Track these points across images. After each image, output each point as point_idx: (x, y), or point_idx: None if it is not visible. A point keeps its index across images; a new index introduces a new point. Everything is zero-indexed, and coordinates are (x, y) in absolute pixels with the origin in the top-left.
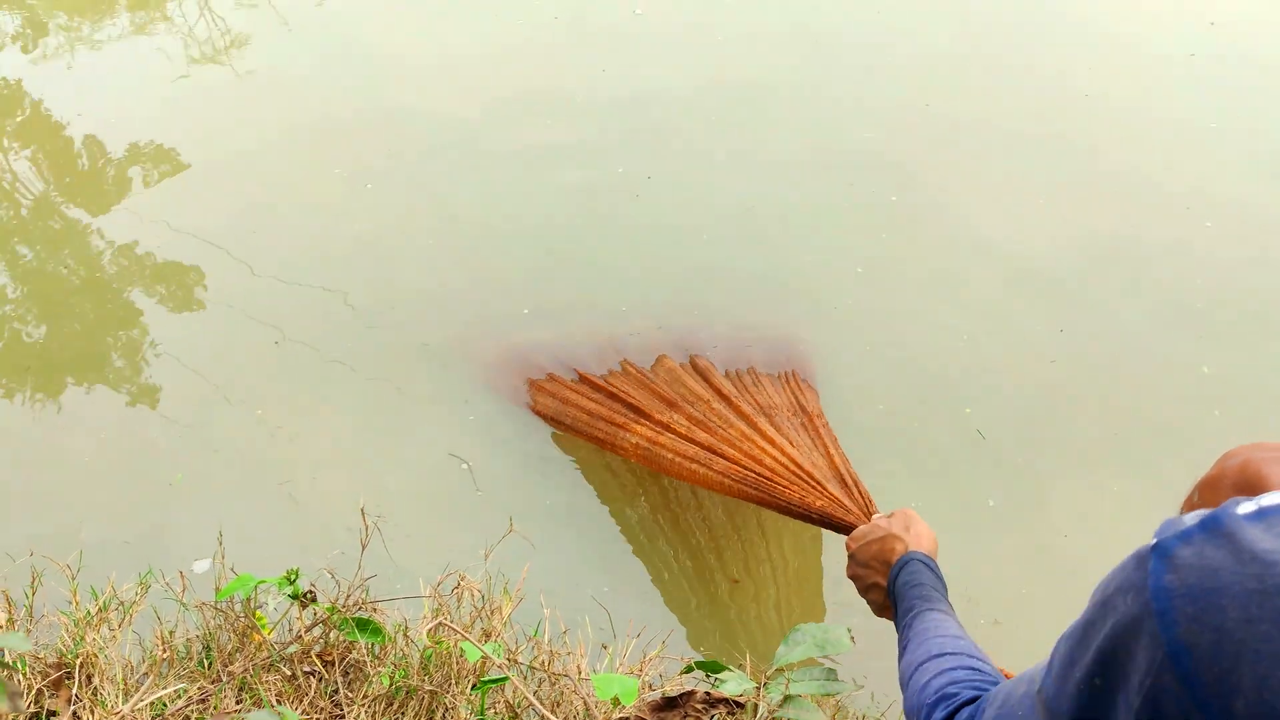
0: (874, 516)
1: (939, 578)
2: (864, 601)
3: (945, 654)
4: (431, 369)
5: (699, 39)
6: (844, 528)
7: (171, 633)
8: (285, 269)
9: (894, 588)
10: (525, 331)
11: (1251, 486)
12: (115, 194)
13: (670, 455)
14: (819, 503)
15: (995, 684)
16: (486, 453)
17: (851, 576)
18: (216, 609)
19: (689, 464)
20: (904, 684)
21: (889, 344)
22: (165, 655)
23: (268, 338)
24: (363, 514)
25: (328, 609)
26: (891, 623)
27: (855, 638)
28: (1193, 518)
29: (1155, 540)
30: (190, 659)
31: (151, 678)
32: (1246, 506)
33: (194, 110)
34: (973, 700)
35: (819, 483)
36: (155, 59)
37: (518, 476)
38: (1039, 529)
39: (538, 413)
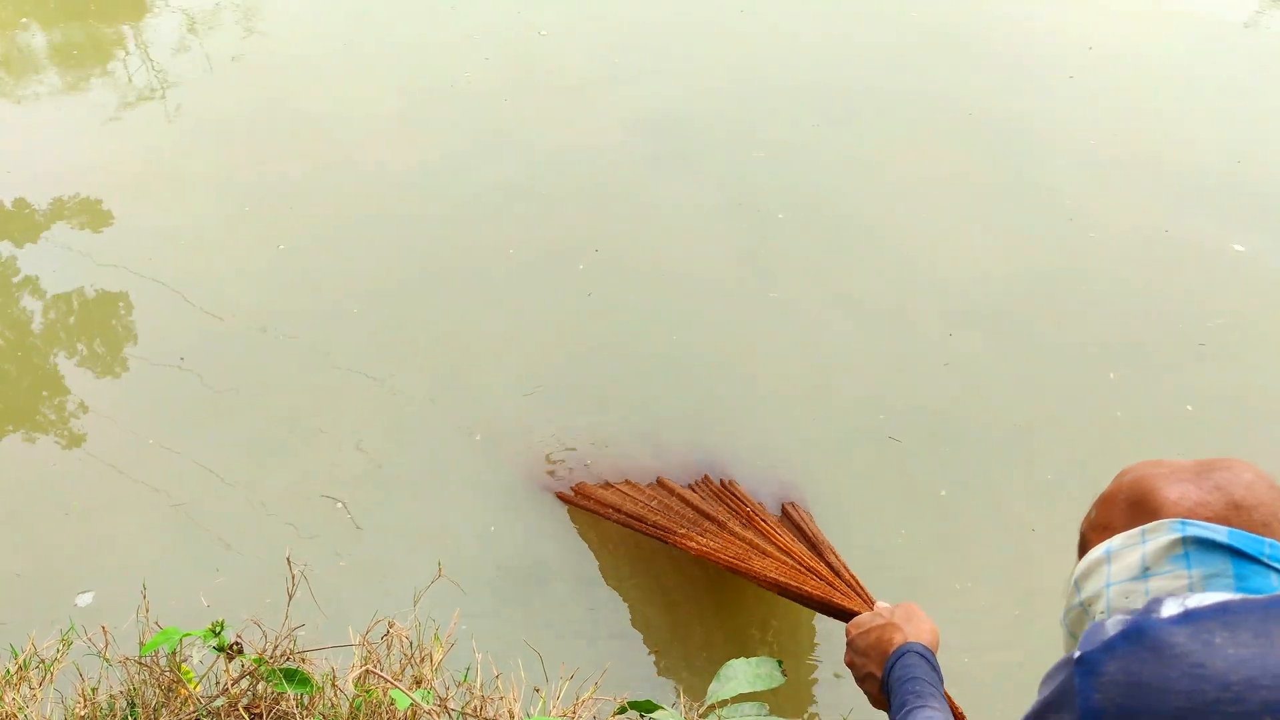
0: (877, 605)
1: (935, 670)
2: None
3: None
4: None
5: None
6: (845, 614)
7: (94, 689)
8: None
9: (888, 680)
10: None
11: (1143, 503)
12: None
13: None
14: (819, 589)
15: None
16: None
17: (849, 664)
18: (140, 664)
19: (724, 554)
20: None
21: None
22: (87, 712)
23: (187, 378)
24: (289, 562)
25: (255, 660)
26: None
27: (787, 672)
28: (1115, 626)
29: (1079, 653)
30: (114, 715)
31: None
32: (1171, 609)
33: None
34: None
35: (822, 576)
36: (85, 108)
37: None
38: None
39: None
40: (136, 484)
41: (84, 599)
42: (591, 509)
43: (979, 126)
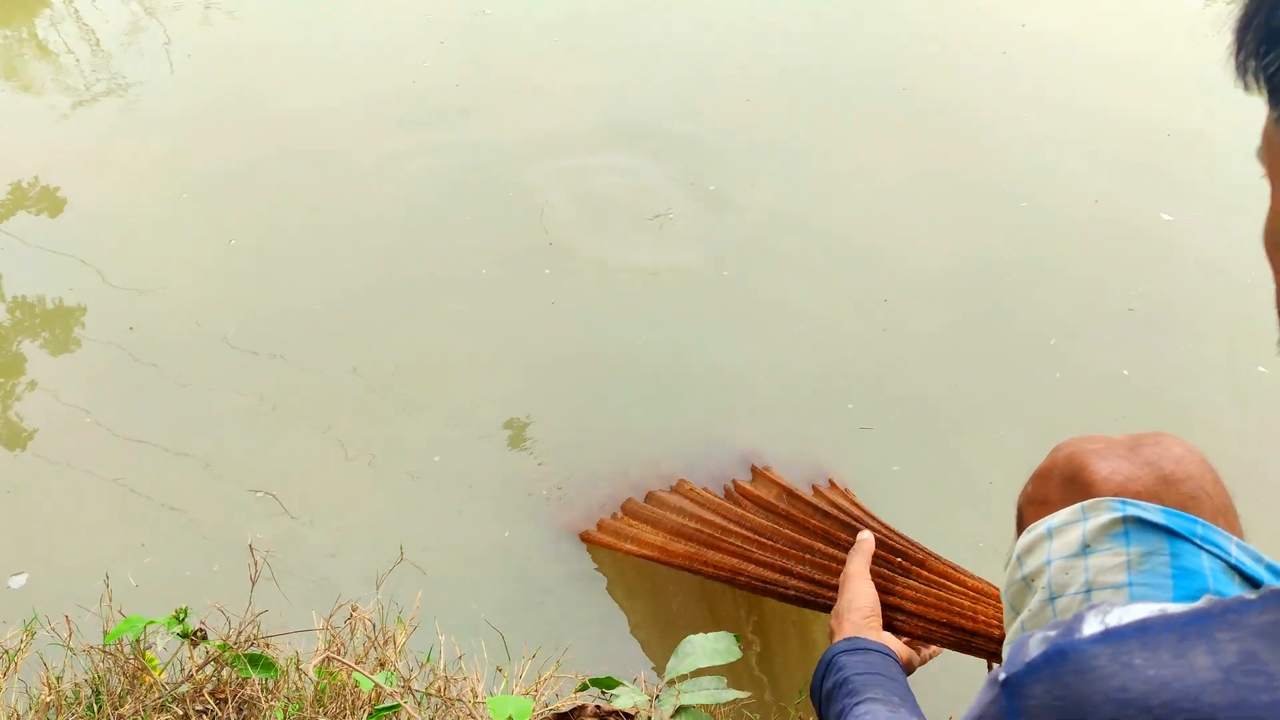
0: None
1: (866, 650)
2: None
3: None
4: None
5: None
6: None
7: (59, 678)
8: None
9: (818, 694)
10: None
11: (1077, 478)
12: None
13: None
14: (795, 587)
15: None
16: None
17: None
18: (105, 652)
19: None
20: None
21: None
22: (53, 700)
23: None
24: (251, 549)
25: (220, 646)
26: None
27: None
28: (1038, 645)
29: (1004, 675)
30: (79, 704)
31: None
32: (1092, 626)
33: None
34: None
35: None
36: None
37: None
38: None
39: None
40: (72, 463)
41: (17, 581)
42: (627, 550)
43: (911, 101)
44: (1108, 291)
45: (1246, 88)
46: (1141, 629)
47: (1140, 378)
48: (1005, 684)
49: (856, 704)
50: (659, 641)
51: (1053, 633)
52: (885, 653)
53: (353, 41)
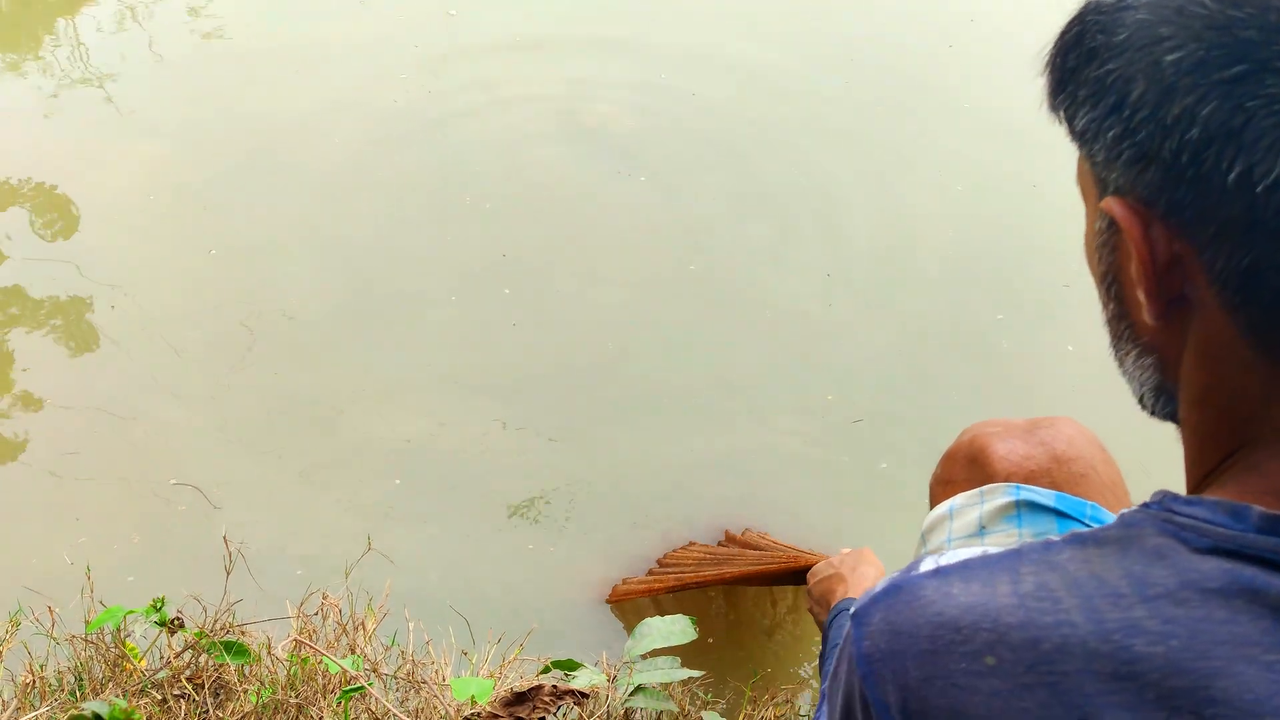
0: (839, 553)
1: None
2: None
3: None
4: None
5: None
6: (804, 572)
7: (42, 666)
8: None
9: (825, 643)
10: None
11: (977, 458)
12: None
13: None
14: (780, 562)
15: None
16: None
17: (810, 611)
18: (87, 641)
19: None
20: None
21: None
22: (36, 686)
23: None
24: (225, 540)
25: (196, 634)
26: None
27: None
28: (883, 583)
29: (854, 609)
30: (62, 690)
31: (22, 708)
32: (927, 565)
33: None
34: None
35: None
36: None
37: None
38: None
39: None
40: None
41: None
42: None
43: (856, 90)
44: (1046, 268)
45: (1058, 124)
46: (964, 566)
47: (1084, 349)
48: (854, 615)
49: None
50: (625, 625)
51: (897, 574)
52: None
53: (327, 48)
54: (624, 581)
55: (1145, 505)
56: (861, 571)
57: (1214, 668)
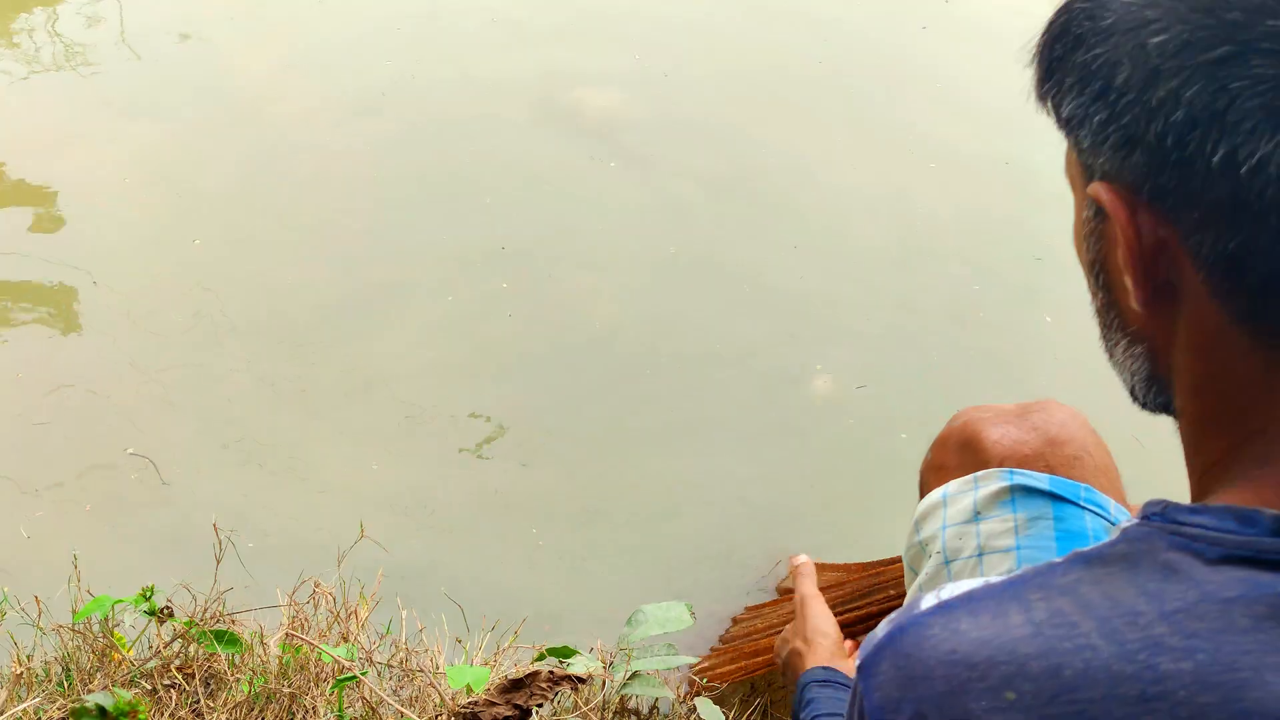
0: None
1: (834, 683)
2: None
3: None
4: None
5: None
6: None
7: (30, 656)
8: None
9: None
10: None
11: (970, 444)
12: None
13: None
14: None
15: None
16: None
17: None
18: (74, 631)
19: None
20: None
21: None
22: (24, 676)
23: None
24: (215, 528)
25: (186, 623)
26: None
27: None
28: (884, 627)
29: (859, 661)
30: (50, 680)
31: (11, 699)
32: (928, 602)
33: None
34: None
35: None
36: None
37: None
38: None
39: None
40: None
41: None
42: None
43: (832, 70)
44: (1019, 242)
45: (1047, 114)
46: (968, 598)
47: (1061, 321)
48: (860, 668)
49: None
50: (620, 613)
51: (898, 616)
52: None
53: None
54: (712, 660)
55: (1147, 517)
56: (818, 637)
57: (1243, 679)
